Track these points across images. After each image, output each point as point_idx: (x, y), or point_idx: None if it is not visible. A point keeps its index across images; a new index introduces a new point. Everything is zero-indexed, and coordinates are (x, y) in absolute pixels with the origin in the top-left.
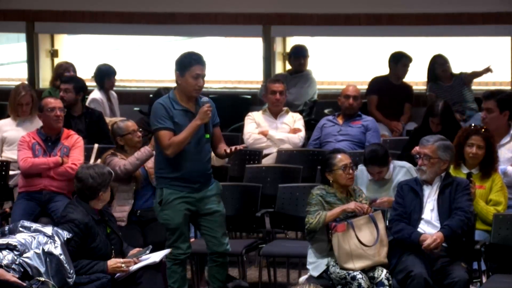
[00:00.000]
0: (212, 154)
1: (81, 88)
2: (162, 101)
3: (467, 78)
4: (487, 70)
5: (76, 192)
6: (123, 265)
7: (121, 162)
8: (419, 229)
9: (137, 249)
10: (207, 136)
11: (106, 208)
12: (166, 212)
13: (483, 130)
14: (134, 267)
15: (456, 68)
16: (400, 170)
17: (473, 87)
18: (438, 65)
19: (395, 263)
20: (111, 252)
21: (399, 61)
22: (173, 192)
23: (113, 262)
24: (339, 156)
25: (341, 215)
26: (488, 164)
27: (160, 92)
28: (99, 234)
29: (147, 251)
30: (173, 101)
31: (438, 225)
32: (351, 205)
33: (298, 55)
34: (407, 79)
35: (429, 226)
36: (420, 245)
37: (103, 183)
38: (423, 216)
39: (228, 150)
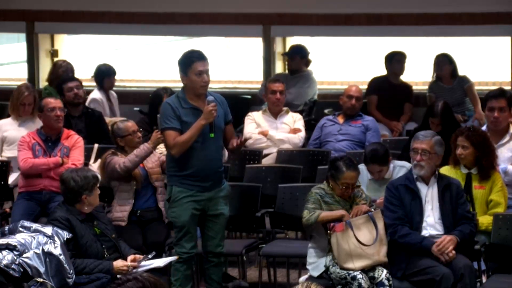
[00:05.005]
0: None
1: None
2: (170, 101)
3: (468, 91)
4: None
5: (62, 194)
6: (130, 268)
7: (120, 160)
8: (423, 233)
9: (141, 257)
10: (212, 135)
11: (100, 211)
12: (174, 209)
13: (471, 130)
14: (138, 270)
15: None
16: (400, 170)
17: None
18: (442, 64)
19: (405, 265)
20: (103, 252)
21: (393, 58)
22: (183, 190)
23: (120, 264)
24: (347, 173)
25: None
26: (485, 164)
27: (158, 92)
28: (86, 233)
29: (150, 256)
30: (181, 100)
31: (441, 228)
32: (346, 217)
33: (294, 55)
34: (407, 79)
35: (433, 229)
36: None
37: (86, 186)
38: (426, 219)
39: (235, 143)
